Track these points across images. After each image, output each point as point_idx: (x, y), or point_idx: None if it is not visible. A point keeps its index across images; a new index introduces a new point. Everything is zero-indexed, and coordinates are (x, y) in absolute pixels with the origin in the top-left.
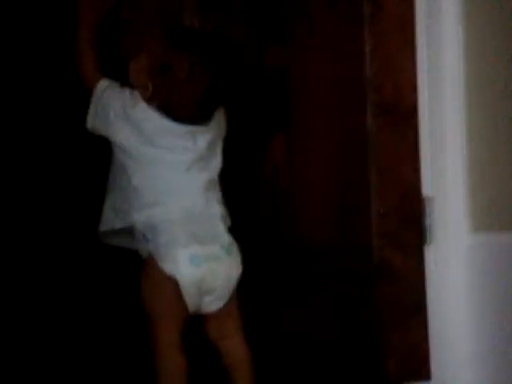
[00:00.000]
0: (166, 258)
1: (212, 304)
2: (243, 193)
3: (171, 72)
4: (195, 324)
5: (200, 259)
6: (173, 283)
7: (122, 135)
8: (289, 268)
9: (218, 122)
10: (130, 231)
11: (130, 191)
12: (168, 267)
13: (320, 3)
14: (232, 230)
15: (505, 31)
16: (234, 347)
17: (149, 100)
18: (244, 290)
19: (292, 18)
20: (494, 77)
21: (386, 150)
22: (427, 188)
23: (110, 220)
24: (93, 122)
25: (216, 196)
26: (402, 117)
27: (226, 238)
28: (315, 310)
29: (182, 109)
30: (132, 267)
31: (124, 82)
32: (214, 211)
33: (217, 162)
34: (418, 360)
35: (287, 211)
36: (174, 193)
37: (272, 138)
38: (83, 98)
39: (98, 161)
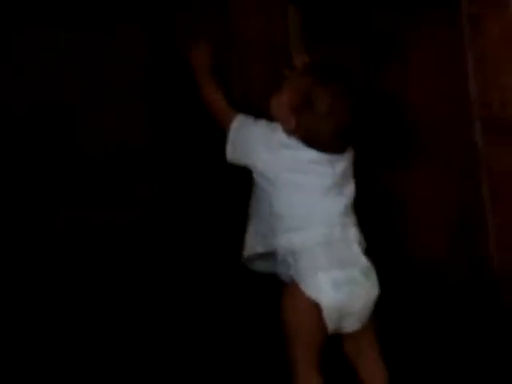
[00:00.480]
0: (308, 282)
1: (351, 325)
2: (373, 216)
3: (314, 107)
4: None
5: (341, 283)
6: (315, 307)
7: (263, 162)
8: (415, 283)
9: (351, 149)
10: (271, 256)
11: (272, 217)
12: (310, 292)
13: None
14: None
15: None
16: (370, 365)
17: (291, 133)
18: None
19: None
20: None
21: (497, 163)
22: None
23: (252, 245)
24: (233, 153)
25: (352, 220)
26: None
27: (364, 262)
28: (441, 322)
29: (323, 141)
30: (271, 292)
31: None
32: (351, 235)
33: (351, 188)
34: None
35: (409, 233)
36: (314, 218)
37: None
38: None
39: (238, 190)
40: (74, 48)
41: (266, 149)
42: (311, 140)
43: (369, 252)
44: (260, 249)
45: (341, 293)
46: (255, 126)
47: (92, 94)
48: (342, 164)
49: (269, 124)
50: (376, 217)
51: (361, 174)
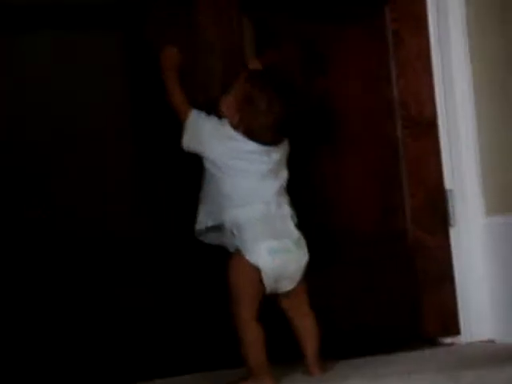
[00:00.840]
0: (249, 250)
1: (285, 286)
2: (301, 196)
3: (253, 106)
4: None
5: (276, 251)
6: (255, 271)
7: (214, 152)
8: (344, 251)
9: (285, 141)
10: (219, 231)
11: (219, 196)
12: (252, 258)
13: (350, 41)
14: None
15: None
16: (303, 318)
17: (235, 127)
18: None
19: (329, 54)
20: (499, 88)
21: (413, 155)
22: (448, 183)
23: (203, 220)
24: (188, 142)
25: (285, 199)
26: (426, 128)
27: (296, 234)
28: (365, 280)
29: (261, 134)
30: (218, 260)
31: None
32: (285, 212)
33: (285, 173)
34: (448, 318)
35: (335, 207)
36: (254, 197)
37: (321, 148)
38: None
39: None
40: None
41: (216, 140)
42: (251, 133)
43: (301, 226)
44: (210, 223)
45: (276, 259)
46: (208, 120)
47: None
48: (277, 154)
49: (218, 120)
50: (311, 196)
51: (301, 160)
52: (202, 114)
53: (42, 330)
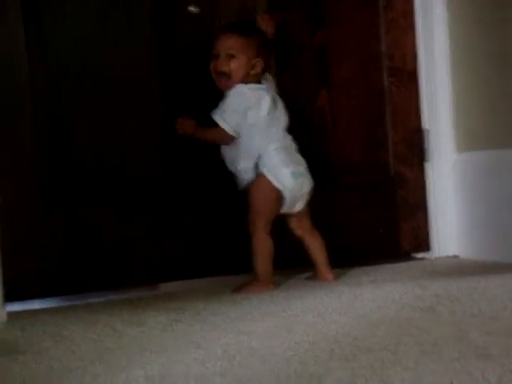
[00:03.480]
0: (276, 174)
1: (298, 207)
2: (302, 130)
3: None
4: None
5: (296, 175)
6: (277, 191)
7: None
8: (333, 177)
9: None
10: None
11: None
12: (277, 180)
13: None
14: None
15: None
16: (311, 234)
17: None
18: None
19: (329, 12)
20: (473, 42)
21: (396, 99)
22: (425, 123)
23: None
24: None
25: (289, 136)
26: (407, 77)
27: (304, 161)
28: (353, 203)
29: None
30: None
31: None
32: (293, 143)
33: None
34: (421, 238)
35: (331, 141)
36: (277, 132)
37: (319, 92)
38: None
39: None
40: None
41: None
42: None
43: (302, 155)
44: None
45: (297, 181)
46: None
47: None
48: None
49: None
50: (310, 130)
51: (303, 99)
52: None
53: None
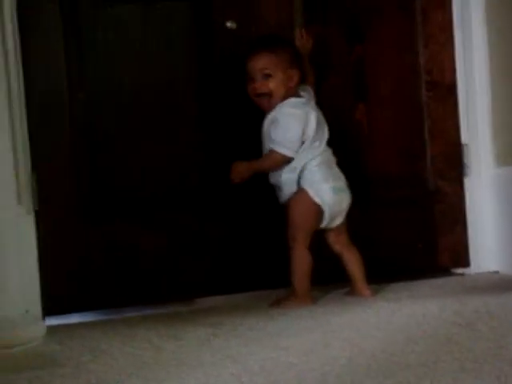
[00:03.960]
0: (317, 189)
1: (337, 221)
2: (339, 144)
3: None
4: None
5: (336, 190)
6: (317, 206)
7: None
8: (371, 191)
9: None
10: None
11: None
12: (317, 196)
13: (385, 16)
14: None
15: None
16: (348, 249)
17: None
18: None
19: (367, 26)
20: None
21: (435, 114)
22: (464, 138)
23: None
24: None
25: (330, 150)
26: (446, 91)
27: (343, 177)
28: (391, 218)
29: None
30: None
31: None
32: (334, 158)
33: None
34: (460, 253)
35: (368, 155)
36: (319, 147)
37: (357, 106)
38: None
39: None
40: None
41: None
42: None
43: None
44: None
45: (337, 196)
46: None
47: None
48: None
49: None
50: (349, 144)
51: (342, 113)
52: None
53: None
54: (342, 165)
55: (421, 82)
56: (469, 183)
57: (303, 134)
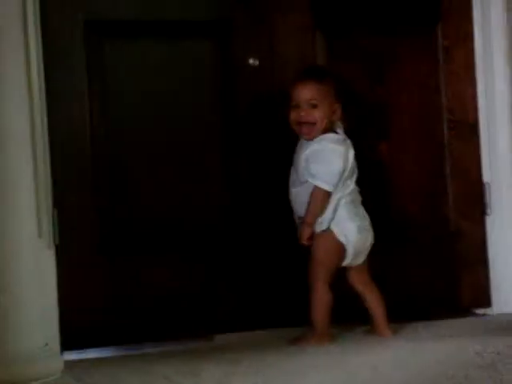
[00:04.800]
0: (342, 227)
1: (359, 260)
2: (364, 184)
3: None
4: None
5: (361, 229)
6: (340, 244)
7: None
8: (392, 231)
9: None
10: None
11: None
12: (342, 233)
13: (408, 55)
14: None
15: None
16: (370, 289)
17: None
18: None
19: (388, 66)
20: None
21: (457, 152)
22: (486, 177)
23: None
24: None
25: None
26: (468, 130)
27: (368, 216)
28: (412, 257)
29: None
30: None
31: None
32: (360, 198)
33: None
34: (481, 293)
35: (390, 194)
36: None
37: (379, 145)
38: None
39: None
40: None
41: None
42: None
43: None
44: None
45: (361, 235)
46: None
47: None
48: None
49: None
50: (372, 183)
51: (364, 154)
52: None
53: None
54: (364, 204)
55: (443, 120)
56: (490, 222)
57: (344, 170)
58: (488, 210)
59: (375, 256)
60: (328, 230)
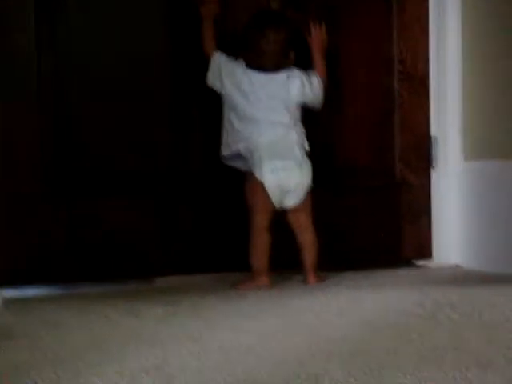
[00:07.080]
0: (257, 170)
1: (289, 202)
2: (314, 134)
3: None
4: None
5: (277, 170)
6: (262, 186)
7: (226, 88)
8: (338, 180)
9: (292, 73)
10: (238, 156)
11: (234, 130)
12: (259, 176)
13: (357, 5)
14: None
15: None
16: (305, 234)
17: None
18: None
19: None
20: (485, 53)
21: (407, 105)
22: (434, 131)
23: (224, 149)
24: (209, 79)
25: (295, 130)
26: (418, 82)
27: (299, 158)
28: (357, 206)
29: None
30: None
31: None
32: (293, 138)
33: (296, 108)
34: (423, 245)
35: (336, 142)
36: (261, 126)
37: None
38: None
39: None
40: None
41: (231, 79)
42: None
43: (312, 157)
44: (228, 152)
45: (277, 176)
46: (226, 61)
47: None
48: (279, 81)
49: (235, 60)
50: (322, 134)
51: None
52: (223, 57)
53: None
54: (310, 152)
55: (394, 72)
56: (436, 176)
57: None
58: (434, 164)
59: (322, 204)
60: (250, 174)
